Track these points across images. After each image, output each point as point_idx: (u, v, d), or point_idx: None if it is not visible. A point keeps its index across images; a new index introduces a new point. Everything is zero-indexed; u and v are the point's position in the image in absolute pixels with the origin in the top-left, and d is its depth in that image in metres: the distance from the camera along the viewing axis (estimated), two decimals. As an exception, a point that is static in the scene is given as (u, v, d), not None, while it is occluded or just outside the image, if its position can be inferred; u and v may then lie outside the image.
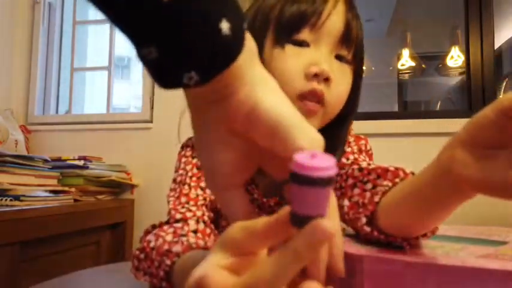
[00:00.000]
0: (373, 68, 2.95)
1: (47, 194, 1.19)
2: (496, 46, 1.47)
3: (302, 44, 0.52)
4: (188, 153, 0.64)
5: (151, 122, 1.62)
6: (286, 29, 0.52)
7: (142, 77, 1.69)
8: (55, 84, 1.86)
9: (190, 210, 0.52)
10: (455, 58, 2.53)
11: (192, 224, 0.50)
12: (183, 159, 0.63)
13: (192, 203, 0.54)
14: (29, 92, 1.79)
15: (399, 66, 2.82)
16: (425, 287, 0.27)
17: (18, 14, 1.77)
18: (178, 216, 0.51)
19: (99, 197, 1.43)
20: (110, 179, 1.44)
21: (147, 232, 0.51)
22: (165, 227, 0.49)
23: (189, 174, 0.58)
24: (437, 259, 0.29)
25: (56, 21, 1.87)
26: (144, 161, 1.59)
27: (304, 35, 0.52)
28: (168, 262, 0.42)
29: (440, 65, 2.70)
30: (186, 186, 0.56)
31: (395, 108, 3.52)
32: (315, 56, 0.51)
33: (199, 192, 0.56)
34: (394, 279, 0.28)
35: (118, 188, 1.55)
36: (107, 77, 1.81)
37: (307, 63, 0.50)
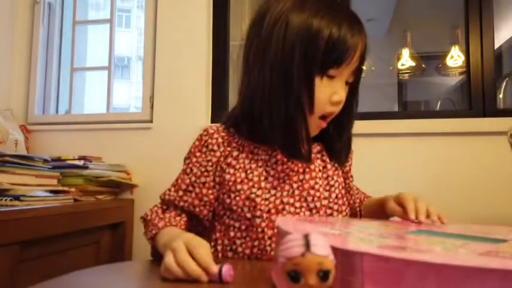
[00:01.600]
0: (373, 68, 2.94)
1: (47, 194, 1.19)
2: (496, 46, 1.47)
3: (329, 76, 0.66)
4: (197, 143, 0.77)
5: (151, 122, 1.62)
6: (328, 66, 0.64)
7: (143, 77, 1.69)
8: (55, 84, 1.86)
9: (180, 198, 0.71)
10: (455, 58, 2.53)
11: (176, 211, 0.72)
12: (196, 151, 0.76)
13: (180, 192, 0.72)
14: (29, 92, 1.79)
15: (399, 66, 2.82)
16: (425, 285, 0.27)
17: (18, 14, 1.77)
18: (166, 197, 0.73)
19: (99, 197, 1.43)
20: (109, 179, 1.44)
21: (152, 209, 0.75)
22: (159, 208, 0.74)
23: (194, 169, 0.74)
24: (438, 257, 0.29)
25: (55, 21, 1.87)
26: (144, 161, 1.59)
27: (333, 71, 0.65)
28: (154, 232, 0.65)
29: (440, 65, 2.70)
30: (187, 178, 0.73)
31: (395, 108, 3.52)
32: (337, 87, 0.66)
33: (192, 178, 0.72)
34: (394, 277, 0.28)
35: (118, 188, 1.56)
36: (107, 77, 1.81)
37: (333, 93, 0.66)
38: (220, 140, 0.72)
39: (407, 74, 2.83)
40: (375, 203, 0.80)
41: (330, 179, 0.73)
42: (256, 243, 0.65)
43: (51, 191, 1.22)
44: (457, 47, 2.53)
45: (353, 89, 0.71)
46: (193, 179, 0.71)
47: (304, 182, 0.70)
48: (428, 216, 0.63)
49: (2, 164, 1.13)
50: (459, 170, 1.34)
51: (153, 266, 0.57)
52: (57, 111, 1.87)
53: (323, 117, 0.68)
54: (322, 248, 0.28)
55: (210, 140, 0.72)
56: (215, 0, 1.65)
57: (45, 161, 1.29)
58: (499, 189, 1.29)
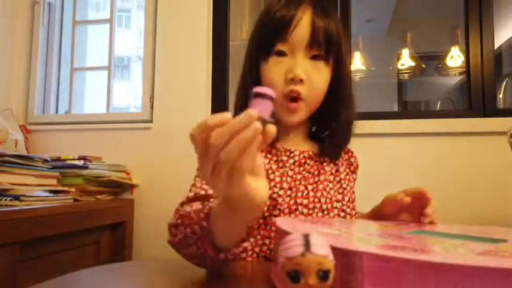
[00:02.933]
0: (373, 68, 2.95)
1: (46, 194, 1.19)
2: (496, 46, 1.47)
3: (281, 53, 0.67)
4: None
5: (151, 122, 1.62)
6: (265, 46, 0.68)
7: (142, 77, 1.69)
8: (55, 84, 1.86)
9: (201, 188, 0.63)
10: (455, 58, 2.54)
11: (213, 200, 0.58)
12: None
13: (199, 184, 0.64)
14: (29, 91, 1.79)
15: (399, 66, 2.82)
16: (425, 285, 0.27)
17: (18, 14, 1.77)
18: (202, 192, 0.62)
19: (99, 197, 1.43)
20: (109, 179, 1.45)
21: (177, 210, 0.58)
22: (193, 203, 0.57)
23: None
24: (437, 257, 0.29)
25: (55, 21, 1.87)
26: (144, 161, 1.59)
27: (280, 47, 0.66)
28: (206, 209, 0.50)
29: (440, 65, 2.71)
30: None
31: (395, 108, 3.52)
32: (291, 63, 0.66)
33: None
34: (393, 276, 0.28)
35: (118, 187, 1.56)
36: (107, 77, 1.81)
37: (286, 70, 0.66)
38: None
39: (407, 74, 2.83)
40: (371, 212, 0.77)
41: (342, 182, 0.73)
42: (267, 241, 0.65)
43: (51, 191, 1.22)
44: (457, 47, 2.53)
45: (336, 71, 0.70)
46: None
47: (318, 183, 0.70)
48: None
49: (2, 164, 1.13)
50: (459, 169, 1.34)
51: (153, 266, 0.57)
52: (57, 111, 1.87)
53: (290, 99, 0.66)
54: (322, 248, 0.28)
55: None
56: (215, 0, 1.65)
57: (45, 161, 1.29)
58: (499, 189, 1.29)
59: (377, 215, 0.72)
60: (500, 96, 1.64)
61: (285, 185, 0.67)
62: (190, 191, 0.64)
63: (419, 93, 3.56)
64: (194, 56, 1.60)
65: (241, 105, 0.73)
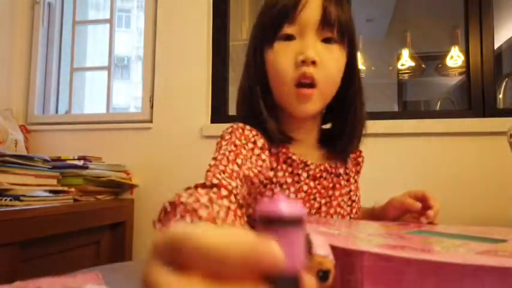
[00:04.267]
0: (373, 68, 2.95)
1: (46, 194, 1.19)
2: (496, 46, 1.47)
3: (289, 37, 0.60)
4: (227, 137, 0.60)
5: (151, 122, 1.62)
6: (271, 29, 0.61)
7: (142, 77, 1.69)
8: (55, 84, 1.86)
9: (225, 180, 0.50)
10: (455, 58, 2.54)
11: (225, 192, 0.47)
12: (227, 137, 0.60)
13: (227, 174, 0.52)
14: (29, 92, 1.79)
15: (399, 66, 2.82)
16: (425, 284, 0.27)
17: (18, 14, 1.77)
18: (215, 181, 0.49)
19: (99, 197, 1.43)
20: (109, 179, 1.44)
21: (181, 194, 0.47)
22: (201, 190, 0.46)
23: (228, 149, 0.56)
24: (437, 256, 0.29)
25: (55, 21, 1.87)
26: (144, 161, 1.59)
27: (288, 29, 0.60)
28: (188, 220, 0.40)
29: (440, 65, 2.71)
30: (225, 161, 0.54)
31: (395, 108, 3.52)
32: (300, 46, 0.59)
33: (236, 168, 0.54)
34: (394, 275, 0.28)
35: (118, 188, 1.55)
36: (107, 77, 1.81)
37: (296, 54, 0.59)
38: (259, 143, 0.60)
39: (407, 74, 2.83)
40: (373, 211, 0.75)
41: (352, 193, 0.69)
42: None
43: (51, 191, 1.22)
44: (456, 47, 2.53)
45: (350, 58, 0.64)
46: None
47: (332, 198, 0.66)
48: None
49: (1, 164, 1.13)
50: (459, 170, 1.34)
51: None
52: (57, 111, 1.87)
53: (301, 85, 0.59)
54: (322, 248, 0.28)
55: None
56: (215, 0, 1.65)
57: (45, 161, 1.28)
58: (499, 189, 1.29)
59: (381, 216, 0.70)
60: (500, 96, 1.64)
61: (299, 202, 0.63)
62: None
63: (419, 93, 3.56)
64: (194, 56, 1.60)
65: (246, 102, 0.65)
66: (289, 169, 0.62)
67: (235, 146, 0.56)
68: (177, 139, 1.56)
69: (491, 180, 1.31)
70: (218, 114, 1.58)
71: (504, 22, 2.58)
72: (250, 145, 0.58)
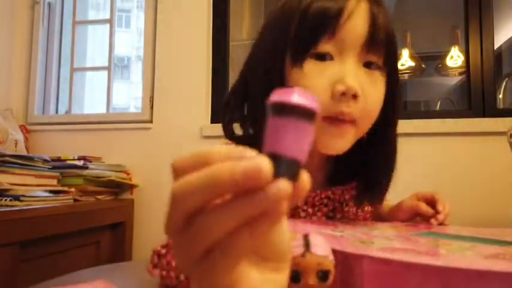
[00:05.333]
0: (373, 68, 2.94)
1: (46, 194, 1.19)
2: (496, 46, 1.47)
3: (324, 57, 0.47)
4: None
5: (151, 122, 1.62)
6: (302, 43, 0.47)
7: (142, 77, 1.68)
8: (55, 84, 1.86)
9: None
10: (455, 58, 2.53)
11: None
12: None
13: None
14: (29, 92, 1.79)
15: (399, 66, 2.81)
16: (427, 288, 0.27)
17: (18, 14, 1.77)
18: None
19: (99, 197, 1.43)
20: (109, 179, 1.44)
21: None
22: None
23: None
24: (440, 260, 0.28)
25: (55, 21, 1.87)
26: (144, 161, 1.59)
27: (325, 46, 0.47)
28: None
29: (440, 65, 2.70)
30: None
31: (395, 108, 3.50)
32: (339, 70, 0.46)
33: None
34: (394, 279, 0.28)
35: (118, 188, 1.55)
36: (107, 77, 1.81)
37: (333, 80, 0.46)
38: None
39: (407, 74, 2.83)
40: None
41: (359, 212, 0.61)
42: None
43: (51, 191, 1.22)
44: (456, 47, 2.53)
45: (388, 83, 0.51)
46: None
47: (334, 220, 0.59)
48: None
49: (1, 164, 1.13)
50: (459, 170, 1.34)
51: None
52: (57, 111, 1.87)
53: (331, 120, 0.47)
54: (322, 248, 0.28)
55: None
56: (215, 0, 1.65)
57: (45, 161, 1.28)
58: (499, 189, 1.29)
59: (390, 219, 0.67)
60: (500, 96, 1.64)
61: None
62: None
63: (419, 93, 3.55)
64: (194, 56, 1.60)
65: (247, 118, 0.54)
66: None
67: None
68: (177, 139, 1.56)
69: (491, 180, 1.30)
70: (218, 114, 1.58)
71: (504, 22, 2.58)
72: None
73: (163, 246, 0.45)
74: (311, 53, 0.47)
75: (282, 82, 0.48)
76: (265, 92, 0.44)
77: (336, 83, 0.46)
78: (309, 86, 0.46)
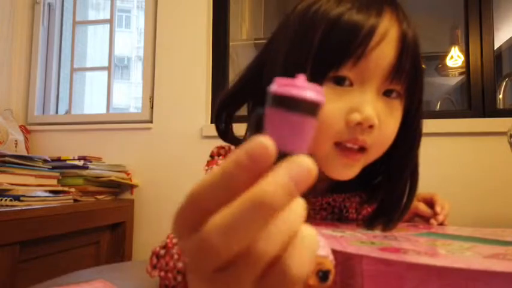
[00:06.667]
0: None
1: (46, 194, 1.19)
2: (496, 46, 1.47)
3: (343, 82, 0.44)
4: (220, 162, 0.55)
5: (151, 122, 1.62)
6: (326, 64, 0.43)
7: (142, 78, 1.68)
8: (55, 84, 1.86)
9: None
10: (455, 58, 2.54)
11: None
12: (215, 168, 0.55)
13: None
14: (29, 92, 1.79)
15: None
16: (427, 288, 0.27)
17: (18, 14, 1.77)
18: None
19: (99, 197, 1.43)
20: (109, 179, 1.44)
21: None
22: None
23: None
24: (440, 260, 0.28)
25: (55, 21, 1.87)
26: (144, 161, 1.59)
27: (347, 71, 0.43)
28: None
29: (440, 65, 2.70)
30: None
31: (395, 108, 3.50)
32: (358, 99, 0.43)
33: None
34: (394, 280, 0.28)
35: (118, 188, 1.55)
36: (107, 77, 1.81)
37: (349, 108, 0.43)
38: None
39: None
40: None
41: (359, 217, 0.60)
42: None
43: (51, 191, 1.22)
44: (456, 47, 2.53)
45: (408, 114, 0.49)
46: None
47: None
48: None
49: (2, 164, 1.13)
50: (458, 170, 1.33)
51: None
52: (57, 111, 1.87)
53: (347, 150, 0.45)
54: (321, 248, 0.28)
55: None
56: (215, 0, 1.65)
57: (45, 161, 1.28)
58: (499, 189, 1.29)
59: None
60: (500, 96, 1.64)
61: None
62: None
63: (419, 93, 3.55)
64: (194, 56, 1.60)
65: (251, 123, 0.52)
66: None
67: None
68: (177, 139, 1.56)
69: (491, 181, 1.30)
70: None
71: (504, 22, 2.57)
72: None
73: (161, 247, 0.45)
74: (329, 75, 0.44)
75: None
76: None
77: (353, 112, 0.43)
78: (325, 111, 0.42)
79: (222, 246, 0.16)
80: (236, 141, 0.55)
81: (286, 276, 0.17)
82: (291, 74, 0.44)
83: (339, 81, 0.44)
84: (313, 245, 0.18)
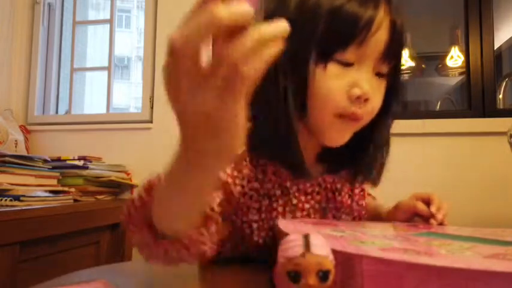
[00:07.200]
0: (373, 68, 2.94)
1: (46, 194, 1.19)
2: (496, 46, 1.47)
3: (346, 63, 0.51)
4: None
5: (151, 122, 1.62)
6: (331, 47, 0.50)
7: (142, 77, 1.69)
8: (55, 84, 1.86)
9: None
10: (455, 58, 2.54)
11: None
12: None
13: None
14: (29, 92, 1.79)
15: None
16: (427, 288, 0.27)
17: (18, 14, 1.77)
18: None
19: (99, 197, 1.43)
20: (109, 179, 1.44)
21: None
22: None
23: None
24: (440, 260, 0.28)
25: (55, 21, 1.87)
26: (144, 161, 1.59)
27: (350, 55, 0.51)
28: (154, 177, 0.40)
29: (440, 65, 2.70)
30: None
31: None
32: (357, 77, 0.51)
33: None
34: (394, 280, 0.28)
35: (118, 188, 1.55)
36: (107, 77, 1.81)
37: (350, 84, 0.51)
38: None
39: (407, 74, 2.83)
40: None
41: (354, 204, 0.65)
42: None
43: (51, 191, 1.22)
44: (456, 47, 2.53)
45: (390, 89, 0.56)
46: None
47: (327, 211, 0.62)
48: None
49: (2, 164, 1.13)
50: (458, 170, 1.34)
51: (153, 266, 0.57)
52: (57, 112, 1.87)
53: (342, 116, 0.52)
54: (322, 248, 0.28)
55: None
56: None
57: (45, 161, 1.29)
58: (499, 189, 1.29)
59: (390, 218, 0.68)
60: (500, 96, 1.64)
61: (288, 215, 0.58)
62: None
63: (419, 93, 3.55)
64: (194, 56, 1.60)
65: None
66: (279, 180, 0.57)
67: None
68: (177, 139, 1.56)
69: (491, 181, 1.31)
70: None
71: (504, 22, 2.58)
72: None
73: (145, 189, 0.42)
74: (334, 57, 0.51)
75: (305, 77, 0.52)
76: (292, 83, 0.51)
77: (353, 87, 0.51)
78: (330, 87, 0.51)
79: (187, 49, 0.25)
80: None
81: (237, 72, 0.24)
82: (301, 56, 0.50)
83: (344, 63, 0.51)
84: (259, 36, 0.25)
